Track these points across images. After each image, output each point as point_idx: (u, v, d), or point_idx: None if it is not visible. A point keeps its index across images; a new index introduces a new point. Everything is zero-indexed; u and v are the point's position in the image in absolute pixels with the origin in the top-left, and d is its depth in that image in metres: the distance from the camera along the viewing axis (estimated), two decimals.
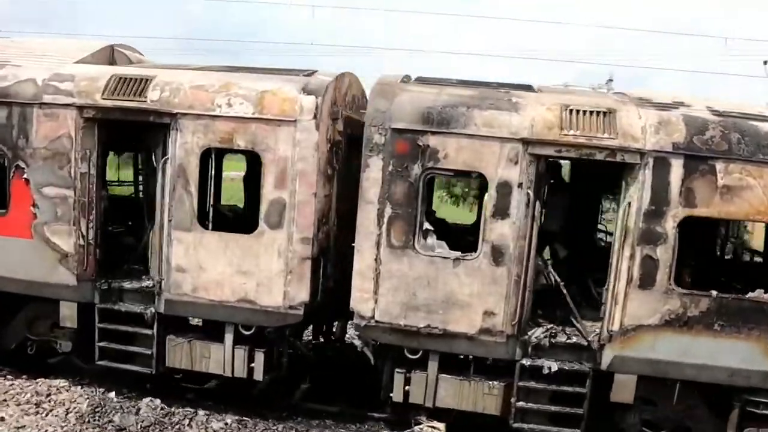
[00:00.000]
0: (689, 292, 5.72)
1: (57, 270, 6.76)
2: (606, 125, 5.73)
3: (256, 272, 6.37)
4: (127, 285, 6.92)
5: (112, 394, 7.14)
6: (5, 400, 6.65)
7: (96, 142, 6.66)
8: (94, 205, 6.73)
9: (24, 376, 7.40)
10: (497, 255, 5.94)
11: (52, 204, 6.68)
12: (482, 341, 6.09)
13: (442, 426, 6.52)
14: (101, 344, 6.92)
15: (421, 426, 6.54)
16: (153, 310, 6.76)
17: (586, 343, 6.04)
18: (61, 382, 7.29)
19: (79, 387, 7.24)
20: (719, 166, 5.51)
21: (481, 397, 6.32)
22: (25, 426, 6.16)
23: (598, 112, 5.81)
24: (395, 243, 6.08)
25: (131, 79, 6.58)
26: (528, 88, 6.69)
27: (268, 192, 6.29)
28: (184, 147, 6.35)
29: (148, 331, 6.81)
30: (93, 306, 6.91)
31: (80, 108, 6.51)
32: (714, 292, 5.66)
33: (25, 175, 6.69)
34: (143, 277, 7.10)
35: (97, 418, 6.48)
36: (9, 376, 7.32)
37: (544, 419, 6.23)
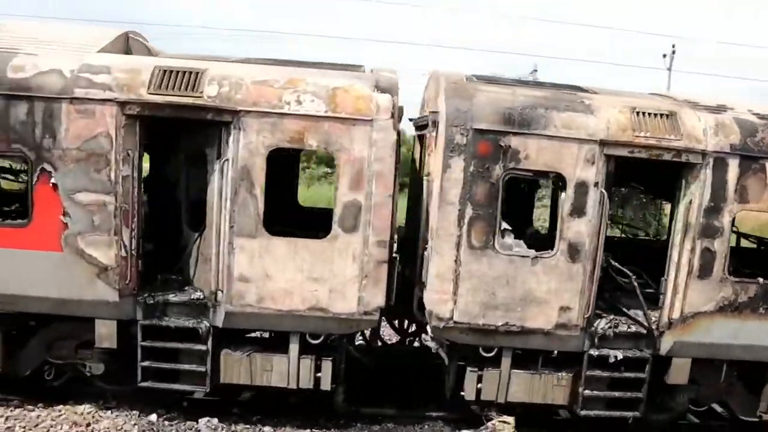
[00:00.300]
0: (740, 280, 6.34)
1: (94, 285, 6.01)
2: (671, 127, 6.14)
3: (329, 278, 6.11)
4: (173, 298, 6.32)
5: (153, 417, 6.55)
6: None
7: (137, 142, 5.97)
8: (135, 212, 6.05)
9: (40, 405, 6.56)
10: (573, 252, 6.18)
11: (88, 212, 5.92)
12: (557, 336, 6.33)
13: (511, 420, 6.71)
14: (144, 364, 6.29)
15: (493, 422, 6.69)
16: (207, 324, 6.25)
17: (646, 331, 6.48)
18: (87, 408, 6.57)
19: (109, 411, 6.56)
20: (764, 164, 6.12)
21: (550, 389, 6.59)
22: None
23: (663, 115, 6.20)
24: (475, 244, 6.12)
25: (180, 71, 5.96)
26: (581, 89, 6.95)
27: (343, 194, 6.03)
28: (248, 147, 5.89)
29: (201, 347, 6.29)
30: (130, 323, 6.26)
31: (122, 104, 5.79)
32: (761, 279, 6.32)
33: (52, 180, 5.85)
34: (185, 288, 6.53)
35: None
36: (28, 406, 6.45)
37: (605, 405, 6.63)
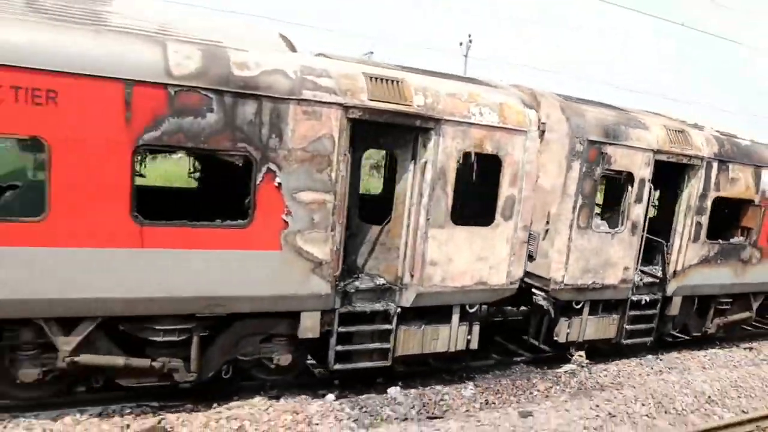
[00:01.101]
0: (711, 242, 9.70)
1: (309, 280, 6.39)
2: (686, 141, 9.04)
3: (491, 257, 7.54)
4: (361, 285, 7.00)
5: (331, 396, 7.15)
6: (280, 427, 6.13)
7: (349, 144, 6.46)
8: (345, 209, 6.56)
9: (225, 405, 6.60)
10: (633, 228, 8.74)
11: (309, 210, 6.24)
12: (620, 288, 8.87)
13: (583, 353, 9.15)
14: (338, 348, 6.90)
15: (574, 356, 9.02)
16: (394, 306, 7.13)
17: (659, 280, 9.46)
18: (260, 399, 6.83)
19: (289, 400, 6.95)
20: (730, 166, 9.50)
21: (607, 327, 9.15)
22: None
23: (681, 131, 9.07)
24: (581, 225, 8.21)
25: (387, 80, 6.60)
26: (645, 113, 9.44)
27: (504, 190, 7.47)
28: (445, 151, 6.89)
29: (387, 326, 7.14)
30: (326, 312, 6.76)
31: (346, 108, 6.23)
32: (720, 241, 9.80)
33: (277, 180, 6.02)
34: (359, 275, 7.22)
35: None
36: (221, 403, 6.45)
37: (633, 334, 9.48)
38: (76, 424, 5.79)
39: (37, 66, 4.94)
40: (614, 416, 7.04)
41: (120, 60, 5.24)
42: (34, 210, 5.16)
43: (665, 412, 7.28)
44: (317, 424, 6.37)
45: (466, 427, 6.47)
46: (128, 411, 6.29)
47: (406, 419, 6.76)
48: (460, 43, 44.28)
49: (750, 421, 7.15)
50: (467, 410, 7.16)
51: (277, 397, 6.99)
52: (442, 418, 6.86)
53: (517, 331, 9.53)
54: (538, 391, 7.91)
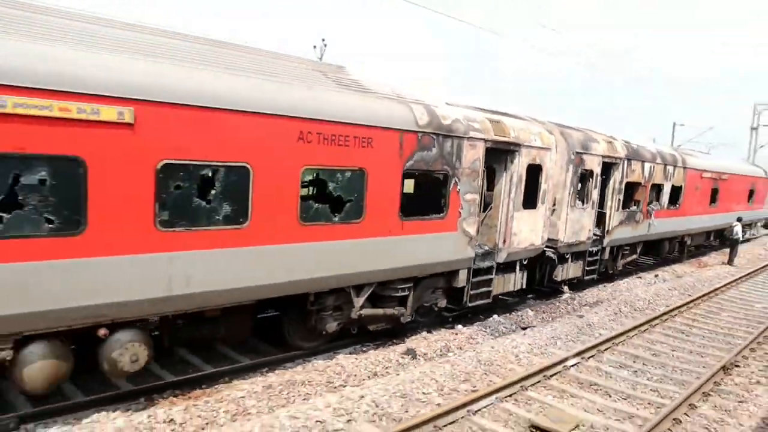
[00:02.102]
0: (623, 211, 15.68)
1: (466, 249, 10.29)
2: (614, 148, 14.72)
3: (535, 229, 12.14)
4: (480, 251, 11.06)
5: (495, 316, 11.12)
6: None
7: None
8: (482, 204, 10.56)
9: (408, 336, 10.18)
10: (593, 205, 14.15)
11: (468, 205, 10.13)
12: (586, 243, 14.22)
13: (567, 287, 14.41)
14: (472, 292, 10.91)
15: (565, 289, 14.22)
16: (494, 262, 11.34)
17: (599, 237, 15.12)
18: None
19: (453, 328, 10.75)
20: (632, 162, 15.52)
21: (578, 269, 14.50)
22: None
23: (611, 142, 14.70)
24: (572, 205, 13.32)
25: (498, 122, 10.72)
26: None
27: (542, 186, 12.12)
28: (521, 164, 11.27)
29: (491, 276, 11.34)
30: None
31: (485, 141, 10.24)
32: (626, 210, 15.87)
33: (457, 187, 9.81)
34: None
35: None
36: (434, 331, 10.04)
37: (588, 273, 15.01)
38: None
39: (365, 123, 8.09)
40: (592, 323, 12.22)
41: (396, 118, 8.58)
42: (357, 214, 8.26)
43: (633, 310, 12.76)
44: (473, 338, 10.34)
45: (543, 329, 10.98)
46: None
47: (512, 331, 11.06)
48: (314, 46, 48.47)
49: (673, 309, 12.93)
50: (535, 324, 11.71)
51: (430, 330, 10.71)
52: (528, 327, 11.32)
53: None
54: (562, 310, 12.85)
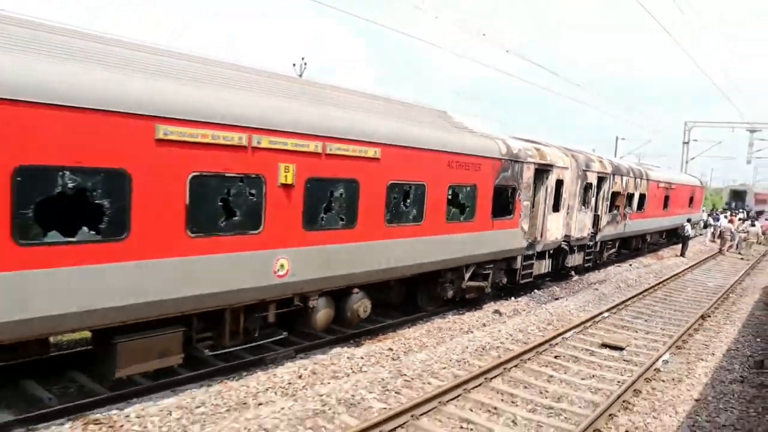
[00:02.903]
0: (609, 213, 20.40)
1: (521, 241, 14.44)
2: (605, 166, 19.40)
3: (558, 226, 16.51)
4: (526, 242, 15.25)
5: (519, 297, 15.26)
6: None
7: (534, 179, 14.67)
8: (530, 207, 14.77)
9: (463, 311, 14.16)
10: (592, 209, 18.75)
11: (524, 209, 14.29)
12: (586, 239, 18.80)
13: (573, 272, 18.89)
14: (524, 272, 15.08)
15: (573, 273, 18.67)
16: (534, 251, 15.57)
17: (593, 234, 19.74)
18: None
19: (509, 300, 14.82)
20: (615, 176, 20.29)
21: (580, 258, 19.02)
22: None
23: (602, 161, 19.39)
24: (579, 209, 17.84)
25: (540, 149, 14.98)
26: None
27: (563, 195, 16.52)
28: (552, 179, 15.58)
29: (532, 261, 15.54)
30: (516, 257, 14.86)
31: (535, 164, 14.45)
32: (614, 211, 20.63)
33: (519, 196, 13.95)
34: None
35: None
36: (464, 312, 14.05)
37: (587, 261, 19.59)
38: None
39: (477, 154, 12.07)
40: (605, 294, 16.68)
41: (491, 149, 12.62)
42: (471, 215, 12.18)
43: (627, 286, 17.36)
44: (528, 305, 14.46)
45: (573, 299, 15.26)
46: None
47: (550, 301, 15.28)
48: (294, 64, 51.40)
49: (654, 286, 17.57)
50: (564, 296, 16.00)
51: (495, 300, 14.72)
52: (559, 298, 15.58)
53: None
54: (578, 287, 17.25)
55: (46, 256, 5.72)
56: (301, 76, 49.31)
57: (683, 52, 46.66)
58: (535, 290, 16.09)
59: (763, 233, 36.01)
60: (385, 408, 7.23)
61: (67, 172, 5.76)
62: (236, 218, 7.42)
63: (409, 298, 12.67)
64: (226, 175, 7.19)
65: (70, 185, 5.80)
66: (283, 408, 6.92)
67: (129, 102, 6.19)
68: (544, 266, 16.40)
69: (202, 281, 7.13)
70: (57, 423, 6.36)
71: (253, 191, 7.55)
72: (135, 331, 6.80)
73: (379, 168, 9.57)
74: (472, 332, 11.41)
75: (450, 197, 11.59)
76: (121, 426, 6.30)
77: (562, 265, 18.20)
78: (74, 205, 5.92)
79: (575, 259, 18.54)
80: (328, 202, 8.83)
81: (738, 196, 63.94)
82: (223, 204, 7.26)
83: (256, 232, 7.67)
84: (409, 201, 10.42)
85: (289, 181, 7.94)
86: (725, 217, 36.71)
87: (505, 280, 14.76)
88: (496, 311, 13.29)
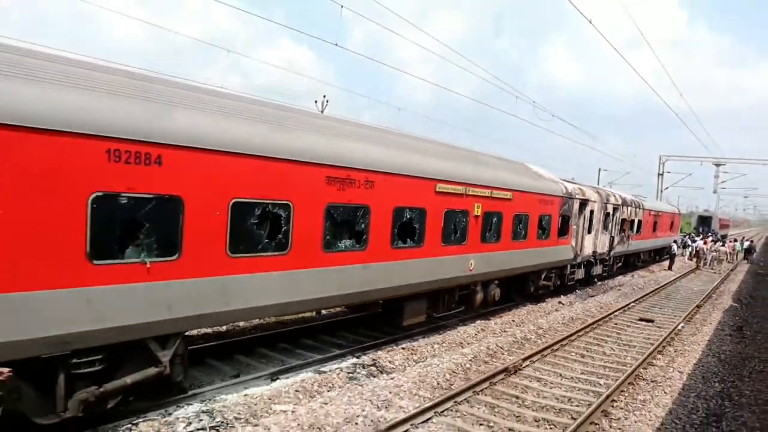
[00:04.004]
0: (620, 235, 26.89)
1: (571, 253, 20.62)
2: (617, 200, 25.91)
3: (589, 244, 22.79)
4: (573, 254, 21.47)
5: (562, 297, 21.43)
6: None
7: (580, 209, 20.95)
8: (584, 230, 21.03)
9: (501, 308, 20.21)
10: (610, 231, 25.15)
11: (573, 231, 20.53)
12: (604, 254, 25.16)
13: (596, 279, 25.22)
14: (569, 276, 21.24)
15: (595, 280, 24.98)
16: (575, 261, 21.79)
17: (608, 250, 26.15)
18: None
19: (558, 298, 20.92)
20: (622, 207, 26.83)
21: (599, 269, 25.36)
22: None
23: (593, 190, 25.90)
24: (601, 231, 24.23)
25: (582, 189, 21.30)
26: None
27: (593, 221, 22.87)
28: (587, 210, 21.90)
29: (574, 269, 21.74)
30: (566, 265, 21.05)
31: (579, 199, 20.74)
32: (622, 234, 27.14)
33: (571, 222, 20.17)
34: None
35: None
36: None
37: (603, 271, 25.93)
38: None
39: (552, 194, 18.24)
40: (626, 293, 22.84)
41: (558, 190, 18.82)
42: (548, 235, 18.27)
43: (639, 288, 23.70)
44: (576, 301, 20.56)
45: (604, 296, 21.41)
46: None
47: (587, 299, 21.42)
48: (315, 101, 57.18)
49: (656, 289, 23.87)
50: (596, 294, 22.16)
51: (552, 297, 20.75)
52: (593, 296, 21.73)
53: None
54: (602, 289, 23.50)
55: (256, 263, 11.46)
56: (322, 112, 55.17)
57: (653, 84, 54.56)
58: (576, 290, 22.23)
59: (729, 253, 43.32)
60: (543, 340, 13.13)
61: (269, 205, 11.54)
62: (456, 235, 13.25)
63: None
64: (456, 210, 13.06)
65: (269, 213, 11.60)
66: (474, 348, 12.76)
67: (414, 168, 12.08)
68: (580, 273, 22.60)
69: (441, 272, 12.92)
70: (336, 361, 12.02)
71: (464, 219, 13.42)
72: (412, 300, 12.50)
73: (511, 205, 15.58)
74: (554, 313, 17.39)
75: (539, 222, 17.63)
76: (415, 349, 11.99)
77: (588, 274, 24.50)
78: (343, 228, 11.70)
79: (597, 270, 24.85)
80: (490, 226, 14.75)
81: (704, 221, 72.23)
82: (454, 226, 13.09)
83: (462, 244, 13.52)
84: (521, 226, 16.43)
85: (477, 213, 13.87)
86: (700, 239, 43.89)
87: (558, 282, 20.87)
88: (560, 302, 19.35)
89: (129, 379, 7.05)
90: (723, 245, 43.67)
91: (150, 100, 7.03)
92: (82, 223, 6.19)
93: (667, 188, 60.40)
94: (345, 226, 9.85)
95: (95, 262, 6.31)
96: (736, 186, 71.08)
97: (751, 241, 56.81)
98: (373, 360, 10.80)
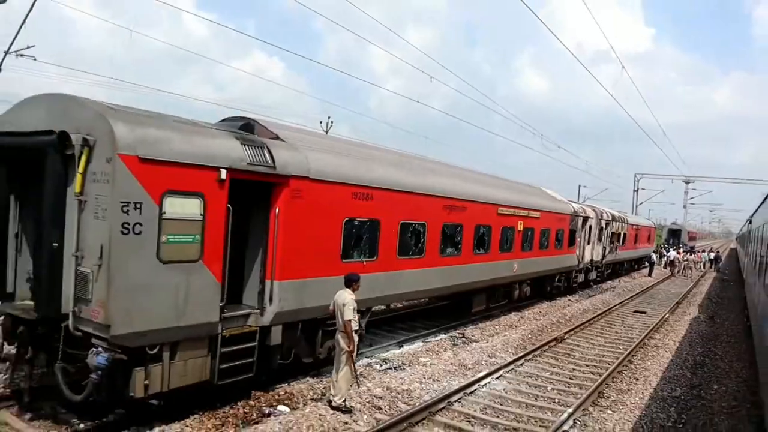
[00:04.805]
0: (610, 245, 32.00)
1: (574, 260, 25.50)
2: (608, 216, 31.00)
3: (592, 252, 27.77)
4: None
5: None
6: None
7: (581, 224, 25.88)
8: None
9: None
10: (602, 243, 30.26)
11: (581, 242, 25.41)
12: (598, 261, 30.20)
13: (592, 282, 30.26)
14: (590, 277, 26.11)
15: (591, 284, 30.01)
16: (580, 267, 26.68)
17: (602, 258, 31.26)
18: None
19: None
20: (611, 222, 31.97)
21: (595, 274, 30.35)
22: None
23: (607, 212, 31.02)
24: (596, 243, 29.27)
25: (584, 208, 26.26)
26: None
27: (590, 234, 27.84)
28: (589, 225, 26.89)
29: (582, 274, 26.63)
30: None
31: (582, 217, 25.68)
32: (611, 245, 32.28)
33: (576, 236, 25.05)
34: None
35: None
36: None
37: (598, 275, 30.95)
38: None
39: (564, 212, 23.09)
40: (620, 293, 27.75)
41: (567, 210, 23.69)
42: (561, 245, 23.06)
43: (629, 290, 28.73)
44: (581, 299, 25.39)
45: (602, 296, 26.30)
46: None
47: (588, 297, 26.26)
48: (320, 122, 61.43)
49: (642, 291, 28.92)
50: (595, 294, 27.04)
51: (561, 296, 25.51)
52: (593, 296, 26.61)
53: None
54: (599, 290, 28.46)
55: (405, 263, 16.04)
56: (327, 132, 59.49)
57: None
58: (579, 292, 27.09)
59: (697, 262, 49.19)
60: (571, 323, 17.80)
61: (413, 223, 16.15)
62: (508, 245, 17.83)
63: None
64: (508, 226, 17.64)
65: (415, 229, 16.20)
66: (524, 328, 17.37)
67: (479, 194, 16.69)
68: (581, 277, 27.50)
69: (498, 273, 17.46)
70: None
71: (512, 233, 18.01)
72: (478, 293, 16.98)
73: (539, 222, 20.28)
74: (569, 306, 22.11)
75: (556, 235, 22.38)
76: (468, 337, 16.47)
77: (586, 278, 29.46)
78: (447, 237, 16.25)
79: (593, 275, 29.82)
80: (526, 238, 19.40)
81: (674, 233, 78.81)
82: (507, 238, 17.65)
83: (510, 252, 18.09)
84: (545, 238, 21.15)
85: (520, 229, 18.51)
86: (674, 250, 49.65)
87: (566, 284, 25.68)
88: (569, 299, 24.14)
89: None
90: (693, 255, 49.55)
91: (365, 159, 11.50)
92: (339, 237, 10.53)
93: (642, 203, 66.66)
94: (450, 238, 14.34)
95: (343, 261, 10.65)
96: (704, 201, 77.96)
97: (717, 252, 63.20)
98: (461, 334, 15.28)
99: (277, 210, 9.03)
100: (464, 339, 14.88)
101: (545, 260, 21.36)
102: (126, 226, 6.89)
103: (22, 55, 21.10)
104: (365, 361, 11.97)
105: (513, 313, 19.68)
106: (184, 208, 7.56)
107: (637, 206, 65.52)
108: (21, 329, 7.71)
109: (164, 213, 7.27)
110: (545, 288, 23.16)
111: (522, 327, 17.02)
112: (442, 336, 15.10)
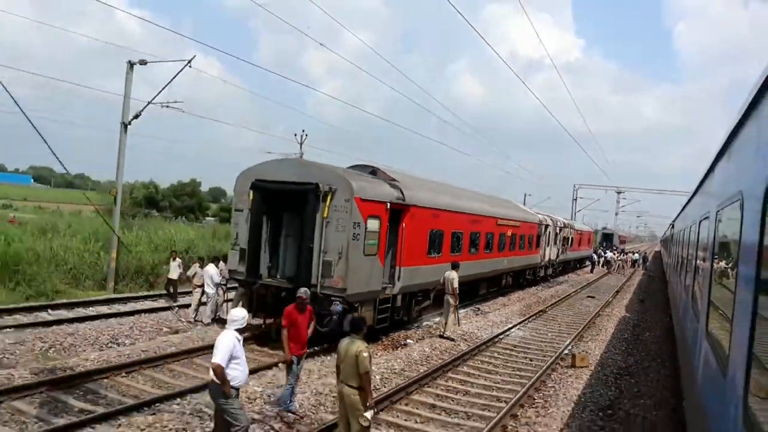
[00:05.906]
0: (563, 247, 40.01)
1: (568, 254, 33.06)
2: (563, 223, 38.93)
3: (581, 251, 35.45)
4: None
5: None
6: None
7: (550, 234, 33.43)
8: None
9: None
10: (571, 245, 38.12)
11: (542, 244, 32.95)
12: (585, 256, 38.03)
13: (550, 277, 38.09)
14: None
15: (549, 278, 37.82)
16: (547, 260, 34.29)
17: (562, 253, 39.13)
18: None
19: None
20: (563, 228, 39.95)
21: (552, 270, 38.18)
22: None
23: (561, 220, 38.96)
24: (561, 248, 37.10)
25: (547, 216, 33.86)
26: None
27: (546, 246, 35.54)
28: (562, 233, 34.52)
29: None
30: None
31: (545, 225, 33.26)
32: (562, 247, 40.28)
33: (540, 239, 32.57)
34: None
35: None
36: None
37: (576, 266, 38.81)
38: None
39: (532, 221, 30.48)
40: (572, 285, 35.57)
41: (535, 220, 31.13)
42: (532, 248, 30.40)
43: (578, 283, 36.69)
44: (546, 288, 32.95)
45: (561, 286, 33.98)
46: None
47: (555, 285, 33.90)
48: (295, 135, 66.08)
49: (591, 282, 36.87)
50: (554, 285, 34.71)
51: (531, 286, 32.93)
52: (553, 287, 34.27)
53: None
54: (557, 282, 36.28)
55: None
56: (301, 146, 64.22)
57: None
58: (541, 284, 34.64)
59: (628, 261, 58.81)
60: (546, 303, 25.06)
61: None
62: (502, 246, 24.80)
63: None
64: (504, 233, 24.62)
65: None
66: (517, 306, 24.53)
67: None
68: (542, 273, 35.11)
69: (498, 266, 24.42)
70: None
71: (505, 238, 25.01)
72: (483, 281, 23.91)
73: (518, 229, 27.45)
74: (539, 293, 29.43)
75: (528, 239, 29.64)
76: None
77: (545, 273, 37.16)
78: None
79: (550, 271, 37.59)
80: (512, 241, 26.50)
81: (607, 237, 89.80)
82: (502, 241, 24.65)
83: (503, 252, 25.08)
84: (522, 241, 28.36)
85: (509, 234, 25.59)
86: (610, 251, 58.98)
87: (532, 277, 33.14)
88: (536, 288, 31.59)
89: (424, 305, 17.89)
90: (624, 256, 59.17)
91: (436, 191, 18.15)
92: (426, 241, 17.05)
93: (579, 210, 76.40)
94: (473, 242, 21.15)
95: (428, 256, 17.17)
96: (633, 209, 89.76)
97: (645, 253, 73.90)
98: (478, 308, 22.11)
99: (403, 225, 15.46)
100: (481, 312, 21.70)
101: (523, 258, 28.62)
102: (354, 235, 13.16)
103: None
104: (412, 329, 18.52)
105: (501, 297, 26.74)
106: (374, 225, 13.89)
107: (575, 213, 75.21)
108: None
109: (367, 228, 13.57)
110: (519, 279, 30.43)
111: (514, 305, 24.06)
112: (467, 310, 21.89)
